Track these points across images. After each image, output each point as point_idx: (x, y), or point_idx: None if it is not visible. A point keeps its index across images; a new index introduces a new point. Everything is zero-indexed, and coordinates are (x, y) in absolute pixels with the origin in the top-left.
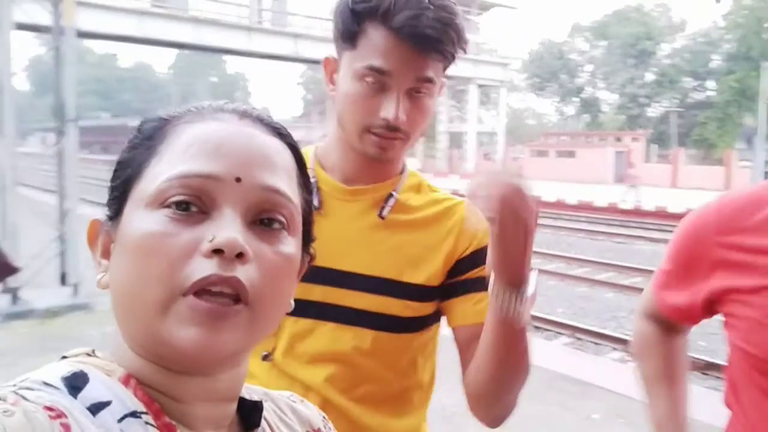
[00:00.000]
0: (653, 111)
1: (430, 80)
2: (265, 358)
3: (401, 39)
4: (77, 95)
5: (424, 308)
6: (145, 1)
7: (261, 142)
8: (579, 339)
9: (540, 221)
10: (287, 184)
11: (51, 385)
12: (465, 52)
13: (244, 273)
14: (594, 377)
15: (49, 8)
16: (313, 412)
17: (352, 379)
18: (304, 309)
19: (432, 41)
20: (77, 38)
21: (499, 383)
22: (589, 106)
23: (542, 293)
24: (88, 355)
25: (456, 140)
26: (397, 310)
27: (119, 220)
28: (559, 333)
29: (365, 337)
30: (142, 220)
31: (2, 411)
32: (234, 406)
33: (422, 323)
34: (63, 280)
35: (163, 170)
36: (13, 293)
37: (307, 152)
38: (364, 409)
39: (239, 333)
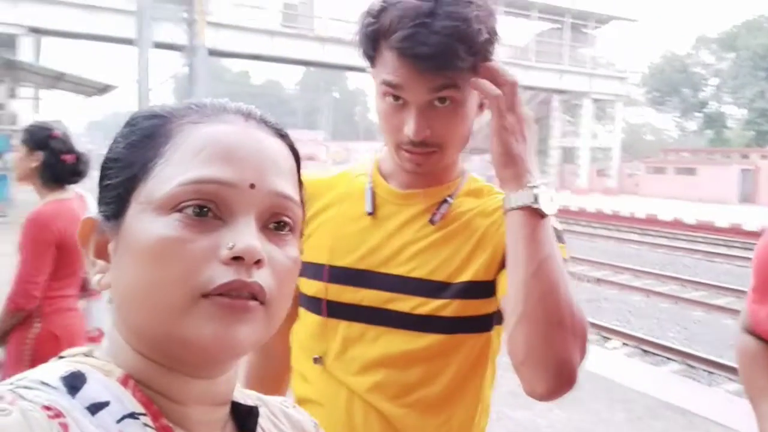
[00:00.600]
0: None
1: (449, 87)
2: (317, 360)
3: (403, 57)
4: None
5: (476, 306)
6: (275, 21)
7: (269, 146)
8: (691, 366)
9: (655, 241)
10: (293, 188)
11: (49, 385)
12: (491, 52)
13: (261, 277)
14: (703, 409)
15: (184, 28)
16: (305, 417)
17: (403, 384)
18: (356, 313)
19: (431, 58)
20: (210, 56)
21: (531, 311)
22: (713, 121)
23: (653, 316)
24: (86, 355)
25: (569, 155)
26: (448, 312)
27: (121, 221)
28: (669, 359)
29: (417, 340)
30: (153, 223)
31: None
32: (227, 409)
33: (476, 324)
34: None
35: (174, 174)
36: None
37: (369, 161)
38: (413, 417)
39: (256, 328)
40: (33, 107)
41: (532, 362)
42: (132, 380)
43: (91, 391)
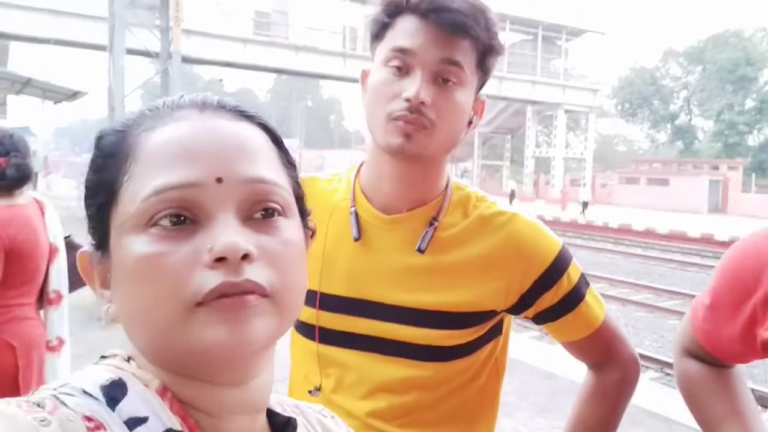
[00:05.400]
0: (754, 139)
1: (457, 64)
2: (312, 393)
3: (427, 20)
4: None
5: (470, 334)
6: (247, 29)
7: (230, 131)
8: (667, 374)
9: (628, 250)
10: (270, 168)
11: (90, 395)
12: (497, 49)
13: (255, 272)
14: (681, 415)
15: (158, 36)
16: (342, 429)
17: (401, 409)
18: (350, 341)
19: (459, 19)
20: (183, 63)
21: None
22: (683, 133)
23: (629, 324)
24: (126, 360)
25: (543, 165)
26: (442, 341)
27: (107, 249)
28: (646, 367)
29: (412, 368)
30: (132, 244)
31: (39, 420)
32: (263, 418)
33: (471, 348)
34: None
35: (138, 189)
36: None
37: (351, 170)
38: None
39: (266, 320)
40: None
41: None
42: (170, 392)
43: (130, 405)
